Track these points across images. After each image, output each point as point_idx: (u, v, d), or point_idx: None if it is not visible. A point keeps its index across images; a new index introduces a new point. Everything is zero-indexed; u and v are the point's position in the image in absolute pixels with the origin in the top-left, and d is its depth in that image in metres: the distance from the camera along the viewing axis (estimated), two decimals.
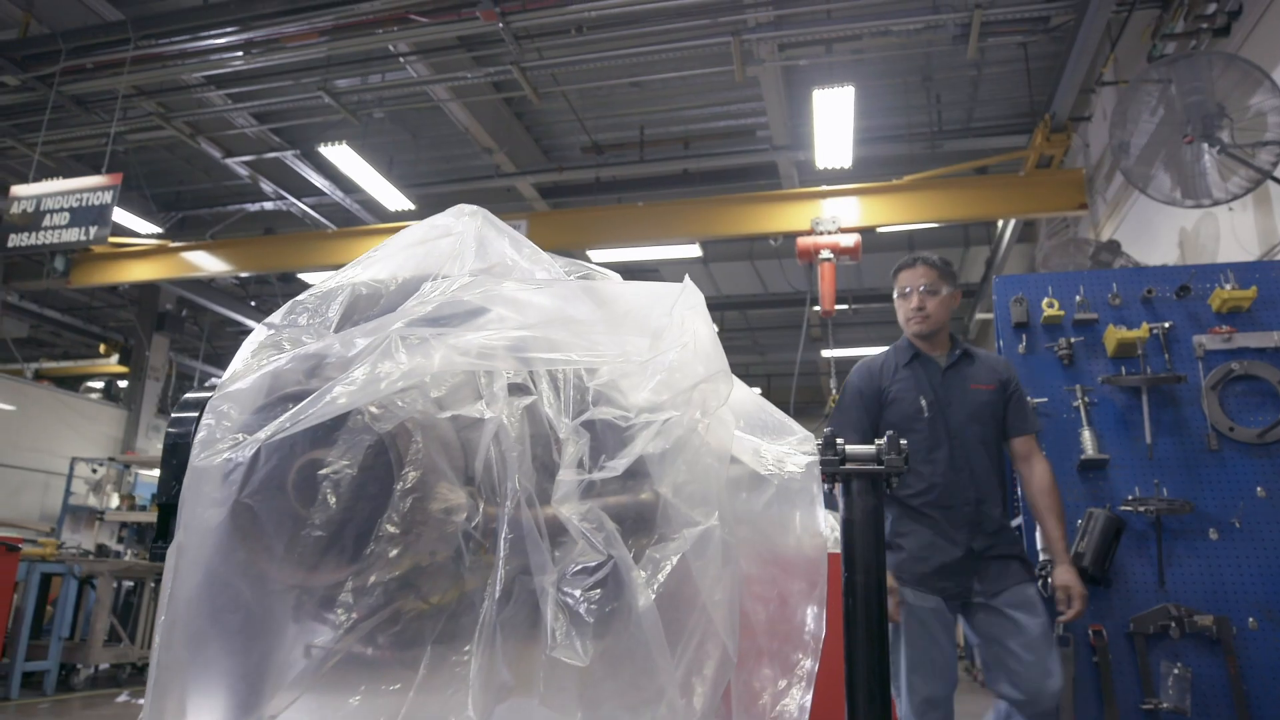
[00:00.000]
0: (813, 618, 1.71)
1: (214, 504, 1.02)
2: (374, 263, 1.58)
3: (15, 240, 5.96)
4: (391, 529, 1.13)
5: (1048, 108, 5.91)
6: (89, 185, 5.98)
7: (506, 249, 1.61)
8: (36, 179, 6.51)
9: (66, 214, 5.87)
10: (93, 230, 5.78)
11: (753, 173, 9.11)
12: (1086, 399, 3.03)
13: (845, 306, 11.24)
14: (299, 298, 1.47)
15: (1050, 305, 3.09)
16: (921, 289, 2.75)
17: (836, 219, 7.00)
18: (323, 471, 1.11)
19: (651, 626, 1.22)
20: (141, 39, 6.15)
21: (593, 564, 1.20)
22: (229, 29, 6.02)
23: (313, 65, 6.83)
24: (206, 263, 9.46)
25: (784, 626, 1.75)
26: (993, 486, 2.61)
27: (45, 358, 14.06)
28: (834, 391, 7.14)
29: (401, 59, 6.76)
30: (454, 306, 1.30)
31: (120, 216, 9.07)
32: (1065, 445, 3.04)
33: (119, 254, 9.55)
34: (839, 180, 7.71)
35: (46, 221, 5.92)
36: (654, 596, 1.26)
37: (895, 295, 2.86)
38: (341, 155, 7.51)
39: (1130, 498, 2.94)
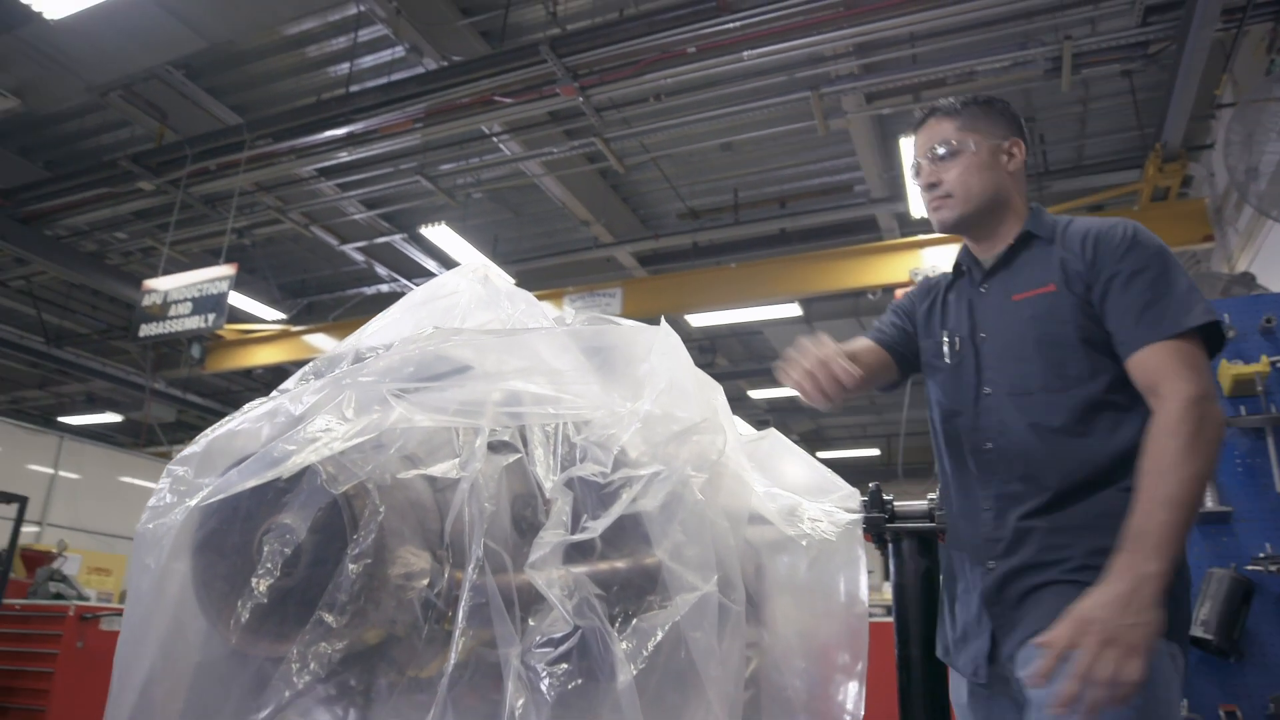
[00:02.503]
0: (853, 696, 1.54)
1: (146, 571, 0.98)
2: (383, 325, 1.57)
3: (145, 330, 6.47)
4: (341, 596, 1.06)
5: (1158, 137, 5.54)
6: (208, 276, 6.44)
7: (504, 304, 1.56)
8: (169, 273, 7.05)
9: (189, 304, 6.33)
10: (211, 317, 6.20)
11: (852, 228, 8.92)
12: None
13: None
14: (313, 362, 1.46)
15: None
16: (939, 153, 1.64)
17: (936, 268, 6.72)
18: (266, 535, 1.06)
19: (630, 705, 1.10)
20: (256, 139, 6.63)
21: (558, 635, 1.09)
22: (333, 123, 6.42)
23: (411, 151, 7.19)
24: (325, 344, 9.97)
25: (823, 705, 1.58)
26: (1045, 466, 1.45)
27: (189, 440, 15.08)
28: None
29: (495, 138, 7.03)
30: (429, 362, 1.24)
31: (249, 305, 9.72)
32: None
33: (247, 340, 10.21)
34: None
35: (172, 311, 6.40)
36: (636, 671, 1.14)
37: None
38: (442, 235, 7.81)
39: (1260, 555, 2.55)
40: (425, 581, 1.15)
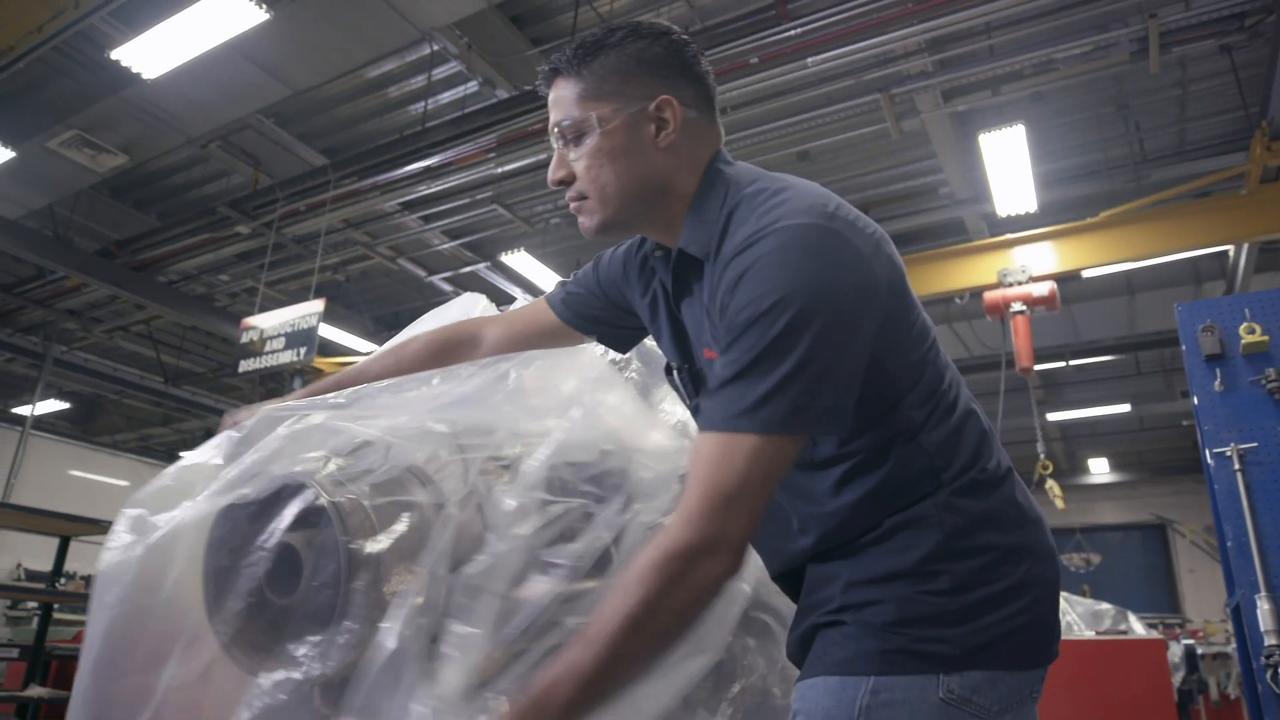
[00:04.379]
0: None
1: (103, 607, 0.97)
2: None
3: (245, 365, 6.82)
4: (330, 615, 1.05)
5: (1263, 114, 5.14)
6: (300, 313, 6.73)
7: None
8: (265, 310, 7.41)
9: (282, 339, 6.64)
10: (302, 351, 6.47)
11: (939, 232, 8.62)
12: None
13: (1062, 364, 10.21)
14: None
15: (1250, 331, 2.57)
16: (562, 135, 1.20)
17: (1026, 268, 6.40)
18: (255, 555, 1.06)
19: None
20: (340, 179, 6.91)
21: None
22: (410, 158, 6.63)
23: (488, 181, 7.35)
24: None
25: None
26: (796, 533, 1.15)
27: None
28: (1041, 458, 6.41)
29: None
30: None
31: (345, 339, 10.09)
32: None
33: None
34: (1028, 226, 7.10)
35: (268, 347, 6.73)
36: None
37: None
38: (521, 261, 7.95)
39: None
40: (421, 600, 1.13)
